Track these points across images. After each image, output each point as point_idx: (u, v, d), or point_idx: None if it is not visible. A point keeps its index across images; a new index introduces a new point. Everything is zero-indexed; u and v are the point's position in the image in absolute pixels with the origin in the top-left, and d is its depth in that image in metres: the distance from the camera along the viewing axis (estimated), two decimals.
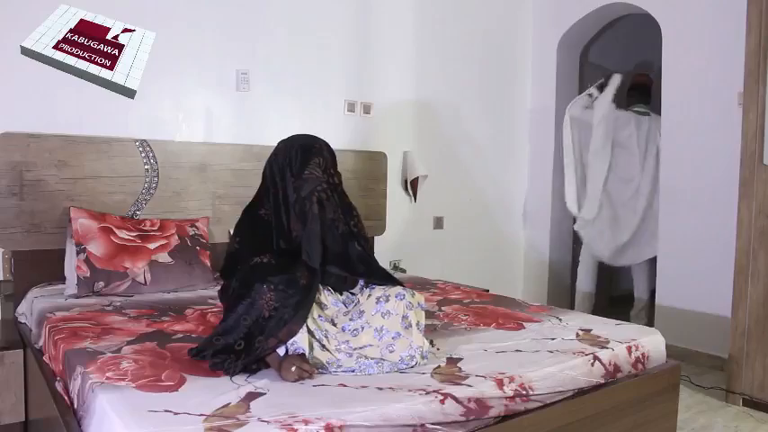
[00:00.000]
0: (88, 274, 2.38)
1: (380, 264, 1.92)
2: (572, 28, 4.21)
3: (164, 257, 2.55)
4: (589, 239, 4.06)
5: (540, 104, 4.38)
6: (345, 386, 1.48)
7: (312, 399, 1.38)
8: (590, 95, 3.98)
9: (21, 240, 2.53)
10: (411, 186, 3.78)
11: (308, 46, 3.36)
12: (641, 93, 4.16)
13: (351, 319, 1.69)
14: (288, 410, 1.30)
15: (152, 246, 2.55)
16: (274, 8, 3.23)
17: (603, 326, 2.16)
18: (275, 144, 3.26)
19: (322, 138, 1.94)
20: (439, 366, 1.64)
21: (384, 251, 3.55)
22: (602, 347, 1.89)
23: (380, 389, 1.46)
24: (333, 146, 3.14)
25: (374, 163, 3.56)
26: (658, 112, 3.78)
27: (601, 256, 4.07)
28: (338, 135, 3.47)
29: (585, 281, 4.27)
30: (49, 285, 2.51)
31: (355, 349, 1.60)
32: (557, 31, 4.26)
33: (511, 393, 1.55)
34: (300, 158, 1.83)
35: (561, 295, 4.44)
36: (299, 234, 1.78)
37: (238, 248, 1.87)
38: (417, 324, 1.68)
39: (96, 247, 2.43)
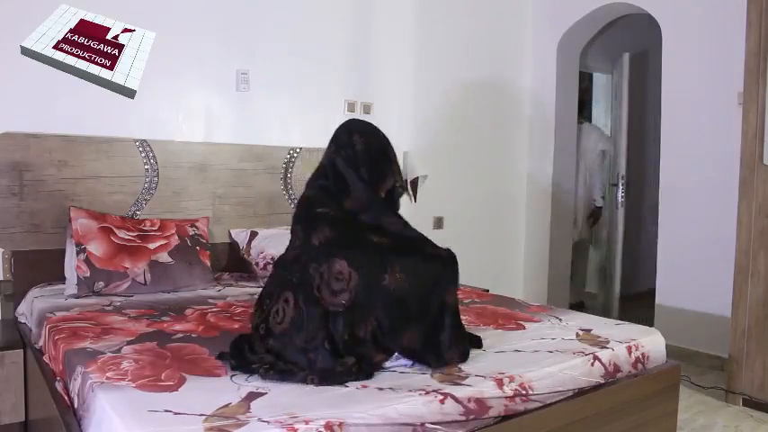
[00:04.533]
0: (88, 274, 2.38)
1: None
2: (572, 28, 4.20)
3: (164, 257, 2.54)
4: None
5: (540, 104, 4.38)
6: (345, 386, 1.48)
7: (313, 399, 1.39)
8: None
9: (21, 240, 2.53)
10: (411, 186, 3.77)
11: (308, 46, 3.36)
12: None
13: None
14: (288, 410, 1.30)
15: (152, 246, 2.54)
16: (274, 8, 3.23)
17: (603, 326, 2.16)
18: (275, 144, 3.27)
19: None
20: None
21: None
22: (602, 347, 1.89)
23: (380, 389, 1.46)
24: None
25: None
26: (659, 116, 3.79)
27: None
28: None
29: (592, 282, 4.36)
30: (49, 285, 2.51)
31: None
32: (557, 31, 4.25)
33: (511, 393, 1.55)
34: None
35: (561, 295, 4.45)
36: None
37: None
38: None
39: (96, 247, 2.43)
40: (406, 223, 1.82)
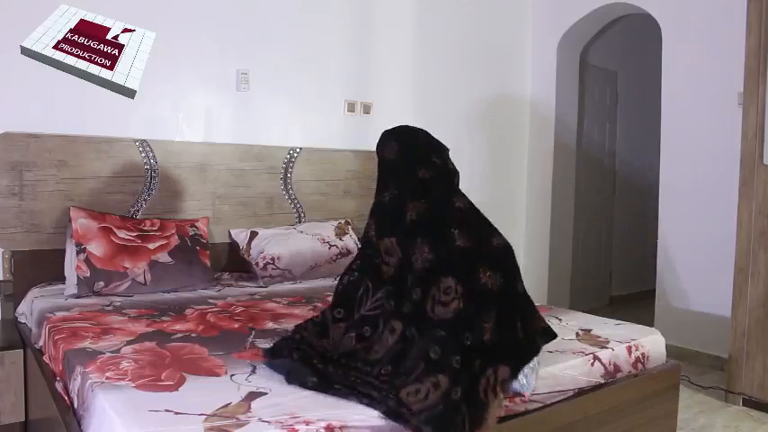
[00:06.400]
0: (88, 274, 2.38)
1: None
2: (572, 28, 4.20)
3: (164, 257, 2.54)
4: None
5: (541, 104, 4.38)
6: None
7: (313, 399, 1.39)
8: None
9: (21, 240, 2.53)
10: None
11: (308, 46, 3.36)
12: None
13: None
14: (289, 411, 1.30)
15: (152, 246, 2.54)
16: (274, 8, 3.23)
17: (603, 326, 2.16)
18: (275, 144, 3.27)
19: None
20: None
21: None
22: (602, 347, 1.89)
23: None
24: (333, 146, 3.11)
25: (374, 163, 3.53)
26: (659, 116, 3.78)
27: None
28: (338, 135, 3.46)
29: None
30: (49, 285, 2.51)
31: None
32: (557, 31, 4.25)
33: (510, 393, 1.55)
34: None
35: (561, 295, 4.44)
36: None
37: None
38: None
39: (96, 247, 2.43)
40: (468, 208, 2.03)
